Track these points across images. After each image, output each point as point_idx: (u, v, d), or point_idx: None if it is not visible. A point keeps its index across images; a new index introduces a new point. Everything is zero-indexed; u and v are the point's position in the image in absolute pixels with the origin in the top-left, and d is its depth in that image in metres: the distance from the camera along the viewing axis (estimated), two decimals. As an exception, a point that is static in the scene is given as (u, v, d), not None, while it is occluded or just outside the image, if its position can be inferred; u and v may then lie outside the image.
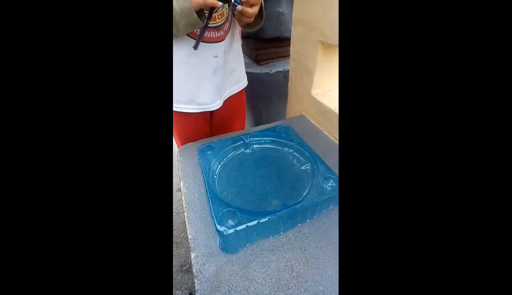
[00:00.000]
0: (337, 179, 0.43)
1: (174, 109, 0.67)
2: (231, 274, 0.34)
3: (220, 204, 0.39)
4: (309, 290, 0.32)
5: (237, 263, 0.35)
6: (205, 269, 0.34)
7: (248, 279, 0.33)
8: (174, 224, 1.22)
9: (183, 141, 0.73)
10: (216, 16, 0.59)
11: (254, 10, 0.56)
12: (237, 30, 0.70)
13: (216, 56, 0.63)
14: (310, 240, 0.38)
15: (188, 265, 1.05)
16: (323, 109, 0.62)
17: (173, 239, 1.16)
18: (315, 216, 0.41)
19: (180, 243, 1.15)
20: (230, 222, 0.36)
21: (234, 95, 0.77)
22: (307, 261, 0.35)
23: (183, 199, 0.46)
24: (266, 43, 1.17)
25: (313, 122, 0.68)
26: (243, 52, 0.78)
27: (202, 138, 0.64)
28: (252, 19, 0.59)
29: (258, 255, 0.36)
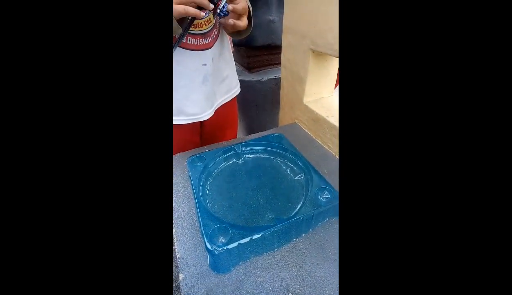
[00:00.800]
0: (332, 190, 0.41)
1: None
2: (223, 297, 0.31)
3: (211, 219, 0.36)
4: (306, 312, 0.30)
5: (229, 284, 0.33)
6: (195, 292, 0.32)
7: (241, 301, 0.31)
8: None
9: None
10: (203, 23, 0.57)
11: (244, 22, 0.55)
12: (227, 36, 0.69)
13: (205, 64, 0.61)
14: (305, 256, 0.36)
15: (177, 282, 1.01)
16: (315, 117, 0.61)
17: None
18: (311, 230, 0.40)
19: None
20: (222, 239, 0.34)
21: (226, 103, 0.75)
22: (303, 280, 0.33)
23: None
24: (257, 50, 1.17)
25: (306, 130, 0.67)
26: (234, 60, 0.76)
27: (192, 149, 0.62)
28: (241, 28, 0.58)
29: (251, 274, 0.34)
